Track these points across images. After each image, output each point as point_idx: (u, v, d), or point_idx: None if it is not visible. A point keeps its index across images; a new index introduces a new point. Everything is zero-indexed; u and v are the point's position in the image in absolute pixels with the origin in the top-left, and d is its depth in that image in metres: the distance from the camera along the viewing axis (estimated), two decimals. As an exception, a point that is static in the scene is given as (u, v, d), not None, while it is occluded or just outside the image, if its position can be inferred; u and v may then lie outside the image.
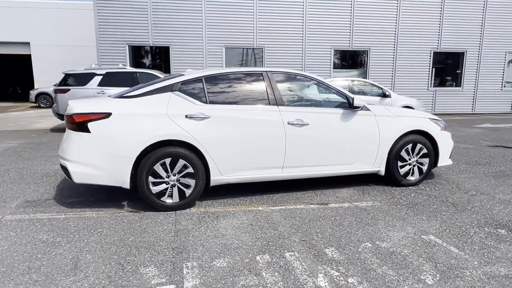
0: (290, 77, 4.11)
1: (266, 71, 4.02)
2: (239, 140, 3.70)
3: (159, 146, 3.51)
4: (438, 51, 13.77)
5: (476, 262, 2.56)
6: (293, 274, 2.41)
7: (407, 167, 4.35)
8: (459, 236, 3.00)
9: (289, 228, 3.17)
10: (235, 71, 3.94)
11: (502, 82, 14.24)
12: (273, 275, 2.40)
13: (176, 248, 2.79)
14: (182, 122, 3.55)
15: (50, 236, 3.04)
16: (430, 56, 13.74)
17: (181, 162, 3.54)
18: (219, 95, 3.83)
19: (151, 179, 3.50)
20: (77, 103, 3.64)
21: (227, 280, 2.34)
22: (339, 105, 4.12)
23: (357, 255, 2.67)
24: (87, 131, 3.38)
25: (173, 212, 3.58)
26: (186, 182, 3.60)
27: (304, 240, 2.93)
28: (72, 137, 3.44)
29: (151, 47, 12.47)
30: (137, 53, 12.49)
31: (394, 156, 4.24)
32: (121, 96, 3.65)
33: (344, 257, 2.65)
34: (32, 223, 3.30)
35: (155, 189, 3.52)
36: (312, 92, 4.17)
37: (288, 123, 3.83)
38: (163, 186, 3.54)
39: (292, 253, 2.70)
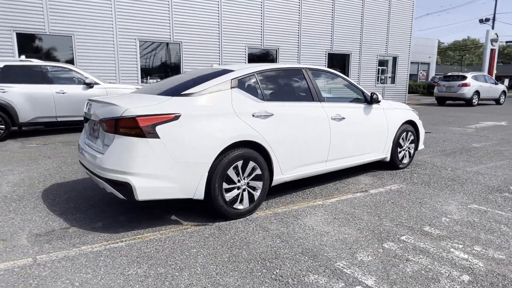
0: (321, 74, 4.26)
1: (304, 68, 4.06)
2: (297, 137, 3.67)
3: (230, 148, 3.20)
4: (332, 52, 15.77)
5: None
6: (431, 254, 2.66)
7: (403, 152, 5.08)
8: (488, 202, 3.77)
9: (370, 216, 3.38)
10: (278, 67, 3.86)
11: (375, 80, 17.30)
12: (420, 257, 2.59)
13: (304, 253, 2.67)
14: (250, 121, 3.32)
15: (141, 268, 2.47)
16: (325, 57, 15.62)
17: (251, 164, 3.31)
18: (271, 92, 3.71)
19: (224, 185, 3.16)
20: (129, 103, 2.97)
21: (398, 268, 2.42)
22: (358, 100, 4.50)
23: (450, 228, 3.09)
24: (155, 136, 2.82)
25: (242, 219, 3.32)
26: (254, 185, 3.39)
27: (398, 224, 3.20)
28: (135, 144, 2.81)
29: (47, 35, 10.35)
30: (27, 43, 10.18)
31: (395, 144, 4.89)
32: (177, 94, 3.14)
33: (445, 231, 3.04)
34: (93, 259, 2.59)
35: (228, 196, 3.20)
36: (339, 88, 4.42)
37: (331, 118, 3.99)
38: (235, 192, 3.25)
39: (406, 236, 2.94)
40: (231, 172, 3.18)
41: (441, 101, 17.72)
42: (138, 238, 2.94)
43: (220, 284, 2.27)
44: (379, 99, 4.51)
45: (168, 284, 2.27)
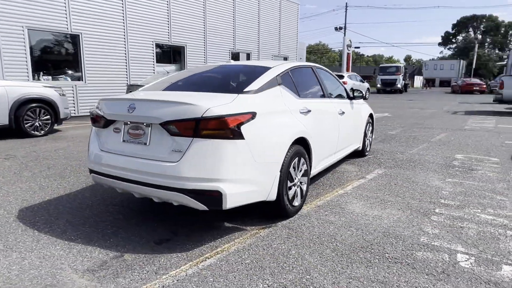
0: (320, 71, 4.51)
1: (313, 66, 4.25)
2: (323, 132, 3.86)
3: (291, 146, 3.16)
4: (234, 51, 16.16)
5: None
6: (470, 219, 3.26)
7: (367, 141, 5.81)
8: (454, 175, 4.72)
9: (393, 197, 3.84)
10: (297, 65, 3.94)
11: (272, 78, 18.56)
12: (466, 223, 3.16)
13: (386, 235, 2.92)
14: (300, 118, 3.35)
15: (267, 280, 2.30)
16: (229, 55, 15.92)
17: (302, 160, 3.35)
18: (300, 89, 3.77)
19: (288, 183, 3.12)
20: (202, 101, 2.61)
21: (464, 234, 2.90)
22: (343, 96, 4.95)
23: (456, 199, 3.81)
24: (241, 137, 2.60)
25: (297, 215, 3.34)
26: (302, 181, 3.43)
27: (420, 200, 3.74)
28: (223, 147, 2.53)
29: None
30: None
31: (364, 134, 5.56)
32: (240, 92, 2.92)
33: (456, 202, 3.72)
34: (201, 281, 2.27)
35: (289, 194, 3.17)
36: (331, 85, 4.75)
37: (338, 113, 4.31)
38: (293, 189, 3.23)
39: (438, 210, 3.50)
40: (291, 170, 3.17)
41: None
42: (220, 251, 2.66)
43: (357, 275, 2.32)
44: (354, 95, 5.07)
45: None
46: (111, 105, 3.00)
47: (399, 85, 26.71)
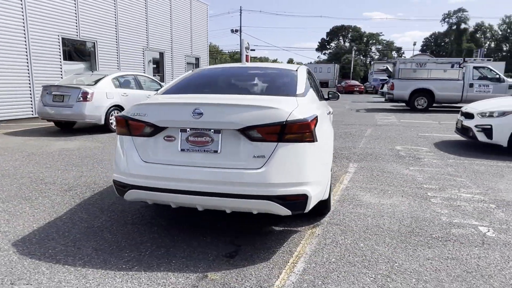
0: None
1: (308, 70, 4.46)
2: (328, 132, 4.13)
3: (327, 146, 3.31)
4: (148, 49, 15.17)
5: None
6: (459, 199, 3.95)
7: (330, 139, 6.31)
8: (415, 164, 5.55)
9: (387, 187, 4.35)
10: (308, 68, 4.07)
11: (185, 79, 18.05)
12: (461, 202, 3.82)
13: (416, 220, 3.34)
14: (329, 118, 3.52)
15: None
16: (143, 53, 14.88)
17: (331, 159, 3.54)
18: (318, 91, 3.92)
19: (329, 182, 3.27)
20: (282, 105, 2.55)
21: (465, 213, 3.52)
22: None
23: (434, 183, 4.53)
24: (316, 139, 2.65)
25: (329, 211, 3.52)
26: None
27: (407, 188, 4.33)
28: (307, 150, 2.54)
29: None
30: None
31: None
32: (294, 95, 2.93)
33: (435, 186, 4.44)
34: None
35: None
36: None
37: (327, 113, 4.63)
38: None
39: (430, 194, 4.12)
40: None
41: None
42: (299, 255, 2.67)
43: (429, 256, 2.64)
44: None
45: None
46: (165, 111, 2.65)
47: None
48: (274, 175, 2.45)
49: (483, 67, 13.75)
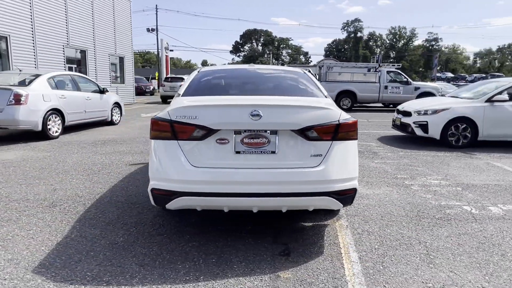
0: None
1: None
2: None
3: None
4: (69, 47, 13.64)
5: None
6: (436, 185, 4.59)
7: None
8: (375, 158, 6.17)
9: (379, 176, 4.80)
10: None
11: (109, 78, 16.71)
12: (436, 188, 4.45)
13: (417, 208, 3.81)
14: None
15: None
16: (63, 50, 13.33)
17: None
18: None
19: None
20: (327, 104, 2.71)
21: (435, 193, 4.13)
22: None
23: (404, 173, 5.15)
24: (357, 137, 2.85)
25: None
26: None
27: (386, 178, 4.86)
28: (354, 148, 2.77)
29: None
30: None
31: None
32: (325, 96, 3.09)
33: (407, 175, 5.05)
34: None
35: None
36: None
37: None
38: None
39: (410, 184, 4.69)
40: None
41: (165, 100, 19.95)
42: (356, 245, 2.85)
43: (444, 233, 3.08)
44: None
45: None
46: (219, 112, 2.56)
47: None
48: (331, 172, 2.59)
49: (394, 72, 15.82)
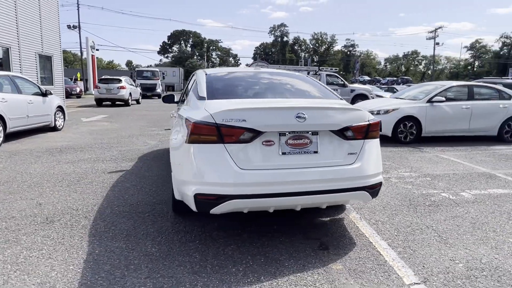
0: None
1: None
2: None
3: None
4: (-11, 43, 11.93)
5: None
6: (412, 176, 5.14)
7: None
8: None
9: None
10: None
11: (37, 79, 15.01)
12: (412, 173, 4.99)
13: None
14: None
15: None
16: (-18, 48, 11.62)
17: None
18: None
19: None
20: (355, 105, 2.91)
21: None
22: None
23: (374, 168, 5.66)
24: (375, 136, 3.14)
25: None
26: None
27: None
28: (378, 144, 3.03)
29: None
30: None
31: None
32: (340, 98, 3.31)
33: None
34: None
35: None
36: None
37: None
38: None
39: (396, 171, 5.18)
40: None
41: (100, 103, 18.57)
42: (377, 235, 3.10)
43: (441, 217, 3.53)
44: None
45: None
46: (266, 115, 2.60)
47: (158, 90, 27.59)
48: (365, 168, 2.82)
49: (332, 75, 16.98)
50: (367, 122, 2.87)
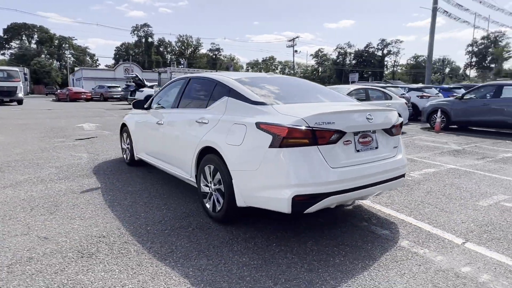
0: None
1: None
2: None
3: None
4: None
5: None
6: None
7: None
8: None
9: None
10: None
11: None
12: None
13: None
14: None
15: None
16: None
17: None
18: None
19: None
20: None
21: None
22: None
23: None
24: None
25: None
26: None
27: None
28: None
29: None
30: None
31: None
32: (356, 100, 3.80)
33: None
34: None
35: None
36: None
37: None
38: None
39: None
40: None
41: None
42: (402, 213, 3.72)
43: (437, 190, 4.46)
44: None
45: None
46: (347, 117, 2.88)
47: (20, 95, 22.35)
48: (403, 158, 3.40)
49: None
50: (401, 120, 3.47)
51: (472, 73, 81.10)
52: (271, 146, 2.76)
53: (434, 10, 21.85)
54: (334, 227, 3.34)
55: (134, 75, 20.28)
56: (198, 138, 3.55)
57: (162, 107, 4.74)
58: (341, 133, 2.86)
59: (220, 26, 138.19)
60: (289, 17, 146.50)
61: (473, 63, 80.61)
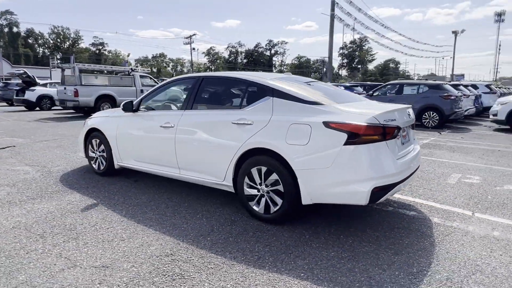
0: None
1: None
2: None
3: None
4: None
5: None
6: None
7: None
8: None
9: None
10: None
11: None
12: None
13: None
14: None
15: None
16: None
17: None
18: None
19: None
20: None
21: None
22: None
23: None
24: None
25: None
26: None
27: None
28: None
29: None
30: None
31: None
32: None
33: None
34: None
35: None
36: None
37: None
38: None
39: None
40: None
41: None
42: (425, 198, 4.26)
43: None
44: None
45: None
46: (401, 115, 3.23)
47: None
48: (419, 149, 3.93)
49: (145, 76, 16.46)
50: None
51: (344, 72, 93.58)
52: (346, 143, 2.91)
53: (332, 17, 24.86)
54: (371, 216, 3.68)
55: (21, 72, 17.17)
56: (239, 141, 3.43)
57: (164, 109, 4.34)
58: (399, 129, 3.20)
59: (100, 18, 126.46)
60: (175, 14, 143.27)
61: (345, 64, 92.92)
